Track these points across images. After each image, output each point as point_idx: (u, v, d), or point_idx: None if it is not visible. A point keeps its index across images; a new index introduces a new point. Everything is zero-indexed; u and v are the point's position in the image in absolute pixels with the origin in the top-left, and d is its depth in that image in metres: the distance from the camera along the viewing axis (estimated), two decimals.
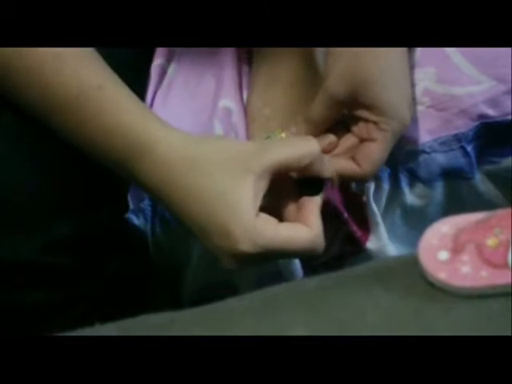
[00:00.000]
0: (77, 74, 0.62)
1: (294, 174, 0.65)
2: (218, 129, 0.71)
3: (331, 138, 0.67)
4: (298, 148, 0.62)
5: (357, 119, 0.66)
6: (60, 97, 0.61)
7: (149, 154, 0.61)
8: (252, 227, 0.59)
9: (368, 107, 0.64)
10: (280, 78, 0.72)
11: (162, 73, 0.75)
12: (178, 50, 0.75)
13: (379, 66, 0.63)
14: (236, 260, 0.60)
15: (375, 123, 0.65)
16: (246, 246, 0.59)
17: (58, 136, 0.64)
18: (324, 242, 0.63)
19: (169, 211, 0.65)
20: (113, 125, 0.61)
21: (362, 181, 0.68)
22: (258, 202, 0.60)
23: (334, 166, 0.66)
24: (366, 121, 0.65)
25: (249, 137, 0.71)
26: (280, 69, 0.72)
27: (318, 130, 0.67)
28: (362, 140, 0.66)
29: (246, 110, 0.72)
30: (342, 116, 0.67)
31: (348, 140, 0.67)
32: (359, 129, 0.66)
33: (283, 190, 0.64)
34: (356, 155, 0.66)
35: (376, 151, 0.65)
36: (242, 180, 0.59)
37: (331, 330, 0.48)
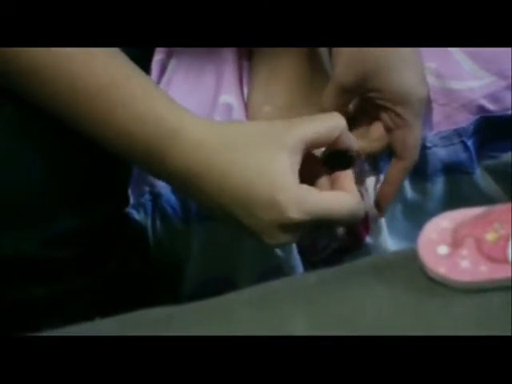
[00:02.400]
0: (106, 65, 0.62)
1: (322, 150, 0.65)
2: None
3: None
4: (326, 122, 0.63)
5: (378, 108, 0.66)
6: (90, 87, 0.61)
7: (183, 138, 0.60)
8: (297, 193, 0.59)
9: (379, 91, 0.65)
10: (281, 74, 0.72)
11: (163, 68, 0.75)
12: None
13: (385, 49, 0.64)
14: (283, 232, 0.60)
15: (393, 111, 0.65)
16: (293, 212, 0.59)
17: (82, 130, 0.63)
18: (363, 208, 0.64)
19: (200, 199, 0.63)
20: (145, 112, 0.61)
21: (402, 167, 0.68)
22: (296, 176, 0.60)
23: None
24: (386, 109, 0.66)
25: None
26: (281, 65, 0.72)
27: None
28: (388, 128, 0.67)
29: (246, 106, 0.72)
30: (366, 104, 0.68)
31: (377, 129, 0.68)
32: (383, 118, 0.67)
33: (314, 166, 0.65)
34: (394, 148, 0.67)
35: (408, 137, 0.66)
36: (279, 154, 0.60)
37: (331, 323, 0.48)
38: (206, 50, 0.74)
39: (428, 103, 0.69)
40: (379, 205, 0.70)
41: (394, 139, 0.67)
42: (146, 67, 0.74)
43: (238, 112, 0.71)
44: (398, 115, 0.65)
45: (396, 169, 0.68)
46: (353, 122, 0.68)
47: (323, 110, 0.67)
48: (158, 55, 0.75)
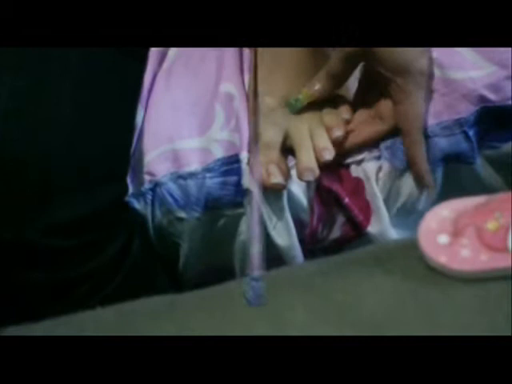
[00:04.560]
0: None
1: None
2: (220, 113, 0.71)
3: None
4: None
5: (384, 84, 0.68)
6: None
7: None
8: None
9: (381, 61, 0.66)
10: (283, 64, 0.72)
11: (162, 57, 0.75)
12: None
13: None
14: None
15: (395, 82, 0.67)
16: None
17: None
18: None
19: None
20: None
21: (411, 141, 0.69)
22: None
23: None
24: (389, 82, 0.67)
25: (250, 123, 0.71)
26: (283, 55, 0.72)
27: (339, 83, 0.70)
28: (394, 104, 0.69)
29: (247, 94, 0.72)
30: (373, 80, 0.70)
31: (387, 106, 0.69)
32: (389, 93, 0.68)
33: None
34: (397, 121, 0.69)
35: (409, 110, 0.68)
36: None
37: (331, 312, 0.49)
38: None
39: (429, 93, 0.69)
40: (421, 185, 0.70)
41: (397, 115, 0.68)
42: (141, 54, 0.74)
43: (239, 101, 0.71)
44: (399, 87, 0.67)
45: (409, 146, 0.69)
46: (364, 101, 0.71)
47: (330, 75, 0.69)
48: None
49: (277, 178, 0.68)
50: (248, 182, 0.69)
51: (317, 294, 0.49)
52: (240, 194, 0.69)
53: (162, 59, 0.75)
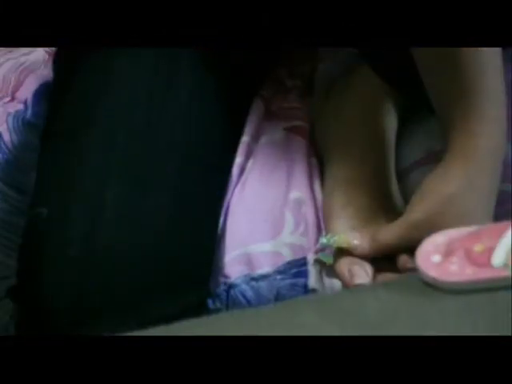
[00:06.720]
0: None
1: None
2: (290, 219, 0.76)
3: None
4: None
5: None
6: None
7: None
8: None
9: None
10: (358, 177, 0.75)
11: (242, 171, 0.80)
12: (255, 147, 0.82)
13: None
14: None
15: None
16: None
17: None
18: None
19: None
20: None
21: None
22: None
23: None
24: None
25: (321, 228, 0.76)
26: (357, 169, 0.76)
27: (379, 254, 0.71)
28: None
29: (315, 200, 0.77)
30: None
31: None
32: None
33: None
34: None
35: None
36: None
37: (338, 316, 0.55)
38: (278, 150, 0.80)
39: None
40: None
41: None
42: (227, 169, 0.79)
43: (308, 206, 0.76)
44: None
45: None
46: None
47: (378, 243, 0.71)
48: (239, 158, 0.80)
49: (362, 279, 0.69)
50: (314, 282, 0.73)
51: (325, 303, 0.56)
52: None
53: (241, 173, 0.79)
